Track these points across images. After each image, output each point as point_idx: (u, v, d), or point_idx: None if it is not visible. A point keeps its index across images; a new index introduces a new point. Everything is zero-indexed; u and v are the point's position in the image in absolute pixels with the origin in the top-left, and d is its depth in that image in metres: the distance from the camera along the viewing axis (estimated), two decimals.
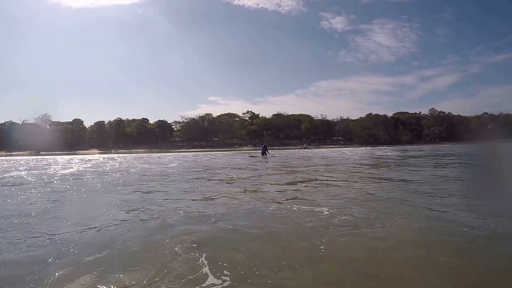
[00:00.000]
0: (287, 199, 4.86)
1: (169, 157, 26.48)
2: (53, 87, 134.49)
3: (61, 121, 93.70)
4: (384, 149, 44.62)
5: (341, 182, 6.89)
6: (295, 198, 4.94)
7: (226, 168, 12.10)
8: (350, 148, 65.34)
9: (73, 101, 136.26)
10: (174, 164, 14.89)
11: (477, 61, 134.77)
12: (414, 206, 4.13)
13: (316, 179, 7.53)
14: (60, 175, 10.03)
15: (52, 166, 15.14)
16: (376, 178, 7.86)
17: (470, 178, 8.38)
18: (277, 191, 5.82)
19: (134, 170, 11.69)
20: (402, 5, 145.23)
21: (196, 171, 10.77)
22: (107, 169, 13.00)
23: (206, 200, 4.95)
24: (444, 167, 11.06)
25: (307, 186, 6.34)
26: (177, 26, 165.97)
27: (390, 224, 3.35)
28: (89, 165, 15.80)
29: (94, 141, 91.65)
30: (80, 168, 13.42)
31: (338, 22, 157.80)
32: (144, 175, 9.45)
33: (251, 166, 12.63)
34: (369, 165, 12.90)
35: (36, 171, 11.95)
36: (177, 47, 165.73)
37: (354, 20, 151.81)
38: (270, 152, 26.20)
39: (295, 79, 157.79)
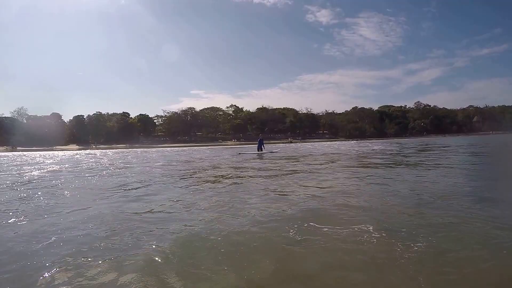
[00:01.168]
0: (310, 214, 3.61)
1: (152, 154, 24.75)
2: (30, 79, 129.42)
3: (39, 115, 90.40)
4: (375, 143, 43.55)
5: (367, 185, 5.69)
6: (321, 214, 3.68)
7: (218, 169, 10.83)
8: (337, 142, 64.55)
9: (51, 94, 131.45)
10: (159, 164, 13.56)
11: (462, 54, 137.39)
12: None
13: (337, 181, 6.26)
14: (28, 178, 8.61)
15: (24, 167, 13.63)
16: (402, 178, 6.46)
17: None
18: (293, 201, 4.45)
19: (115, 171, 10.36)
20: None
21: (184, 173, 9.54)
22: (84, 167, 12.04)
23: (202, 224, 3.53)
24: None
25: (329, 192, 5.02)
26: (160, 17, 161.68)
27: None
28: (66, 165, 14.16)
29: (73, 136, 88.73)
30: (54, 168, 12.02)
31: (323, 15, 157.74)
32: (124, 186, 7.92)
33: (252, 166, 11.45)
34: (379, 161, 11.41)
35: (3, 173, 10.54)
36: (159, 39, 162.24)
37: (339, 14, 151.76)
38: (267, 147, 23.36)
39: (279, 72, 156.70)
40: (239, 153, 19.76)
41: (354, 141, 61.28)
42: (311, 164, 10.53)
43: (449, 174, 6.84)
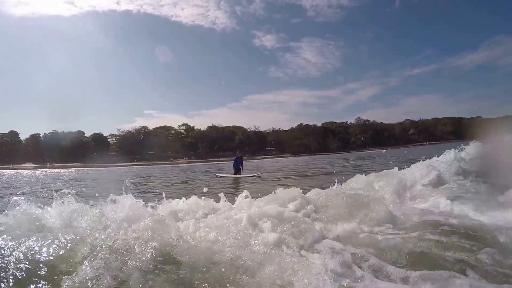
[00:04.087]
0: None
1: (103, 175, 25.84)
2: None
3: None
4: (327, 158, 44.43)
5: None
6: None
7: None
8: (284, 158, 69.35)
9: (9, 112, 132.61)
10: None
11: (395, 74, 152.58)
12: None
13: None
14: None
15: None
16: None
17: None
18: None
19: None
20: (328, 25, 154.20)
21: None
22: None
23: None
24: None
25: None
26: (114, 40, 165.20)
27: None
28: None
29: (29, 154, 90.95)
30: None
31: (268, 40, 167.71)
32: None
33: None
34: None
35: None
36: (114, 61, 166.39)
37: (283, 38, 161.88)
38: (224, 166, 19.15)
39: (228, 93, 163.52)
40: (218, 176, 16.12)
41: (304, 157, 64.80)
42: None
43: None
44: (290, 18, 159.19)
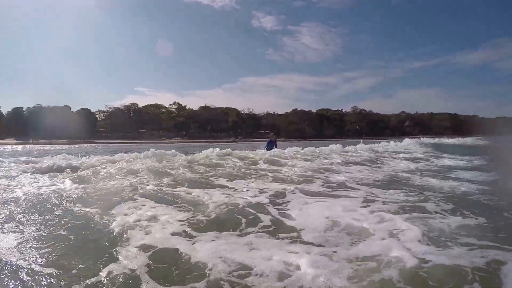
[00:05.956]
0: None
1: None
2: None
3: None
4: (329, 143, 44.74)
5: None
6: None
7: None
8: (287, 142, 67.85)
9: None
10: None
11: (396, 66, 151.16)
12: None
13: None
14: None
15: None
16: None
17: None
18: None
19: None
20: (331, 11, 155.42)
21: None
22: None
23: None
24: None
25: None
26: (106, 13, 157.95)
27: None
28: None
29: (11, 130, 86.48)
30: None
31: (268, 22, 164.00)
32: None
33: None
34: None
35: None
36: (106, 36, 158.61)
37: (283, 21, 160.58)
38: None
39: (223, 74, 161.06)
40: None
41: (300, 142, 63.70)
42: None
43: None
44: (292, 0, 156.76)
